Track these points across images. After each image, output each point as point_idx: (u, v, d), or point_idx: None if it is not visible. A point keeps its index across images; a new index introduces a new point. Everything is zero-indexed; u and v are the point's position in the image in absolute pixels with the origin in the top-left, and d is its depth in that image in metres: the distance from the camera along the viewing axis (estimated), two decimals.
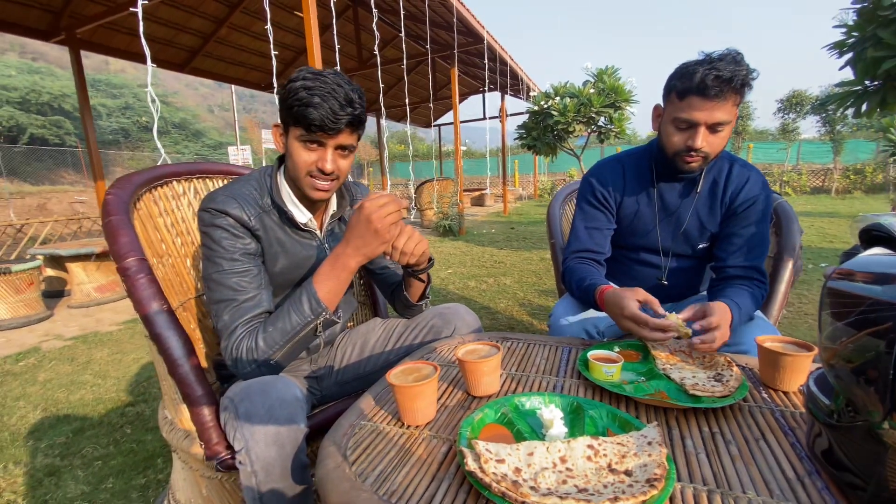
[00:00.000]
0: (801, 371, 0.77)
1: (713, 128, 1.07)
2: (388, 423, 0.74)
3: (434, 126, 15.90)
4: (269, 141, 8.49)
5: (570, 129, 6.51)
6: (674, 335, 0.92)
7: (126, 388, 2.29)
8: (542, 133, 6.81)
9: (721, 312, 0.93)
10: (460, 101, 8.07)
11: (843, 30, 2.86)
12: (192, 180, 1.29)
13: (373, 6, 4.82)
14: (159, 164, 1.41)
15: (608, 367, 0.83)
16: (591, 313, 1.25)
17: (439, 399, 0.81)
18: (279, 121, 1.00)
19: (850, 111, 3.05)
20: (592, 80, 6.43)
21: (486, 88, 10.92)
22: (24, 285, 3.48)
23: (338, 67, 4.34)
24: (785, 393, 0.79)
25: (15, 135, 20.17)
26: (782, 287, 1.28)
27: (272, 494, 0.78)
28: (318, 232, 1.10)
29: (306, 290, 0.92)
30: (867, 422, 0.47)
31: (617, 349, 0.98)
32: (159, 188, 1.21)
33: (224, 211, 0.95)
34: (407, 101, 6.12)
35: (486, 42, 7.78)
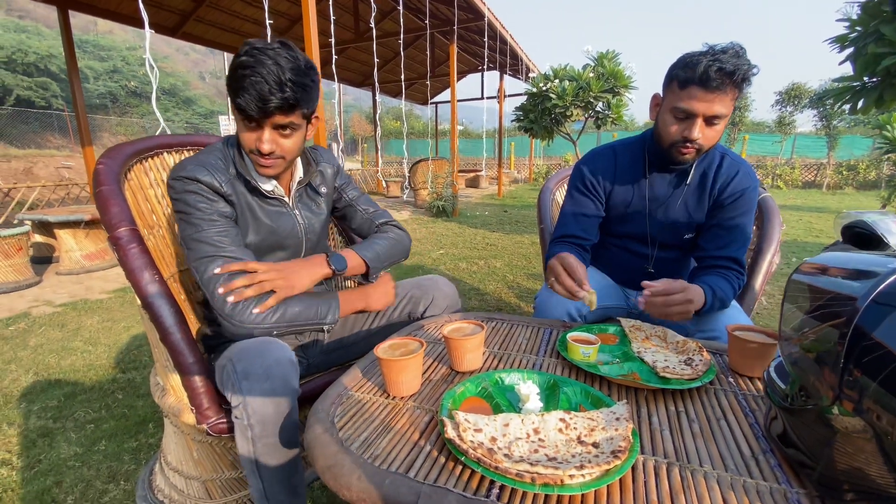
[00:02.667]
0: (765, 358, 0.81)
1: (710, 120, 1.07)
2: (374, 394, 0.78)
3: (431, 103, 15.66)
4: None
5: (568, 112, 6.46)
6: (580, 297, 0.98)
7: (117, 356, 2.32)
8: (540, 116, 6.75)
9: (679, 285, 0.99)
10: (458, 80, 7.94)
11: (847, 24, 2.84)
12: (182, 152, 1.29)
13: None
14: (157, 133, 1.40)
15: (586, 348, 0.87)
16: None
17: (424, 373, 0.85)
18: None
19: (846, 106, 3.06)
20: (592, 64, 6.36)
21: (485, 67, 10.73)
22: (13, 250, 3.45)
23: (332, 39, 4.25)
24: (750, 378, 0.83)
25: (1, 95, 19.49)
26: (759, 279, 1.32)
27: (266, 448, 0.83)
28: (286, 198, 1.12)
29: (332, 302, 1.04)
30: (817, 406, 0.51)
31: (596, 332, 1.03)
32: (150, 159, 1.21)
33: (195, 178, 0.96)
34: (403, 76, 6.01)
35: (486, 19, 7.61)
